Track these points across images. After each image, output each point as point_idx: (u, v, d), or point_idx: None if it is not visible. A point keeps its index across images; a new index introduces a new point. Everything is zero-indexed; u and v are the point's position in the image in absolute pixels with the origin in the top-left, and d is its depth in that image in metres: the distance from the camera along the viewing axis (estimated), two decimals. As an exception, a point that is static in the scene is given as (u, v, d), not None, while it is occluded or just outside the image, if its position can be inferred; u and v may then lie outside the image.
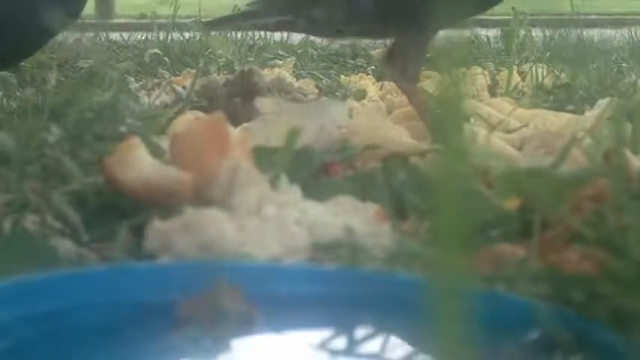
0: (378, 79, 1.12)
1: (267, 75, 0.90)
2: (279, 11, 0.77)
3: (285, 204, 0.43)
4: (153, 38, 1.63)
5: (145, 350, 0.33)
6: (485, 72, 1.10)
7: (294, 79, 1.07)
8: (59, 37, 1.63)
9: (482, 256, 0.38)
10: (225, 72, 1.12)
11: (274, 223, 0.42)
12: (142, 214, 0.45)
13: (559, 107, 0.88)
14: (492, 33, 1.56)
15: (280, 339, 0.34)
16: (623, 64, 1.31)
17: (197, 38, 1.55)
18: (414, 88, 0.74)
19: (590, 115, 0.74)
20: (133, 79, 1.10)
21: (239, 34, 1.59)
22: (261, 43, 1.59)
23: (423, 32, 0.72)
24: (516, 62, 1.19)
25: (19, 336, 0.33)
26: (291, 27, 0.82)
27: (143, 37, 1.69)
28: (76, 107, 0.70)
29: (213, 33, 1.48)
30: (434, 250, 0.17)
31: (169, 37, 1.59)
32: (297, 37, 1.64)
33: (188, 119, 0.69)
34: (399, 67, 0.73)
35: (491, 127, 0.70)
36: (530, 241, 0.40)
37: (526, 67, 1.18)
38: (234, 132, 0.49)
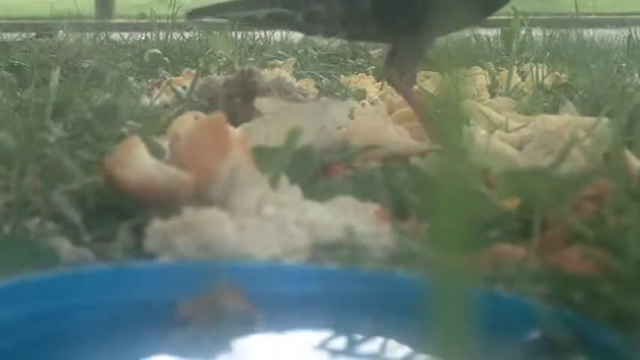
0: (378, 79, 1.12)
1: (267, 75, 0.90)
2: (273, 3, 0.74)
3: (285, 204, 0.43)
4: (153, 38, 1.63)
5: (145, 350, 0.33)
6: (486, 72, 1.10)
7: (294, 79, 1.07)
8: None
9: (482, 256, 0.38)
10: (225, 72, 1.12)
11: (274, 223, 0.42)
12: (142, 214, 0.45)
13: (559, 107, 0.88)
14: (492, 33, 1.55)
15: (280, 339, 0.34)
16: (623, 64, 1.31)
17: (197, 38, 1.55)
18: (410, 91, 0.74)
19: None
20: (133, 79, 1.10)
21: (239, 34, 1.59)
22: (262, 43, 1.59)
23: (421, 37, 0.72)
24: (516, 62, 1.19)
25: (19, 336, 0.33)
26: (281, 23, 0.80)
27: (143, 37, 1.69)
28: (76, 107, 0.70)
29: (213, 33, 1.48)
30: (434, 250, 0.17)
31: (169, 37, 1.59)
32: (297, 37, 1.63)
33: (188, 119, 0.69)
34: (398, 70, 0.73)
35: (492, 127, 0.70)
36: (530, 241, 0.40)
37: (526, 67, 1.18)
38: (234, 132, 0.49)
